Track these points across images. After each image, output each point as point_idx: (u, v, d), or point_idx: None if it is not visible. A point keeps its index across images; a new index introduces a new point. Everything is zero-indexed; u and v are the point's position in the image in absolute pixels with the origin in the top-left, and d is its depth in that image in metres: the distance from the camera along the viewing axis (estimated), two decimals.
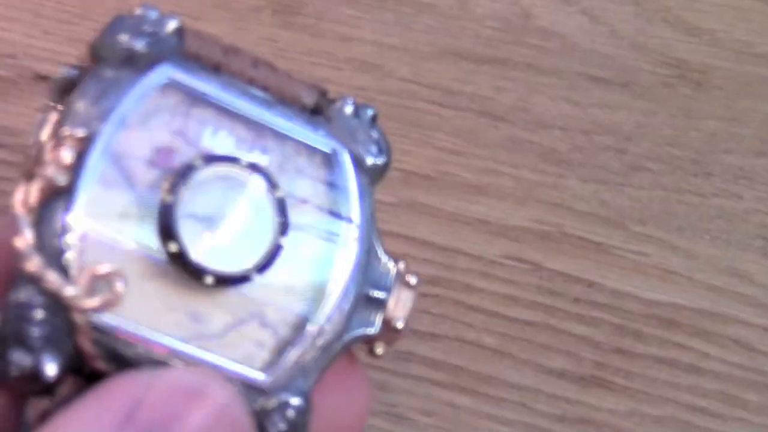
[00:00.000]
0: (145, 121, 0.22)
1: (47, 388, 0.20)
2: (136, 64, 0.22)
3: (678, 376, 0.39)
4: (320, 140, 0.24)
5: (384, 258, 0.24)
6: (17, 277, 0.20)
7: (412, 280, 0.24)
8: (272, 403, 0.22)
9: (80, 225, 0.21)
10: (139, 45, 0.22)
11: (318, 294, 0.23)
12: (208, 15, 0.47)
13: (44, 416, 0.20)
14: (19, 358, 0.19)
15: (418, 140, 0.44)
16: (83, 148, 0.21)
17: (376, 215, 0.25)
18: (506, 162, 0.43)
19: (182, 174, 0.22)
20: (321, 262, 0.23)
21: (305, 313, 0.23)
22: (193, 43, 0.23)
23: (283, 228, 0.22)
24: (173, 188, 0.21)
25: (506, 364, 0.39)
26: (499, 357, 0.38)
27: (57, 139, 0.21)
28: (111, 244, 0.21)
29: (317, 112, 0.24)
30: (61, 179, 0.20)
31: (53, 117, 0.21)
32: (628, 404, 0.38)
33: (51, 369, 0.20)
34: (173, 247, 0.21)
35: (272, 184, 0.23)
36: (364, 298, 0.23)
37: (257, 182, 0.22)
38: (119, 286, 0.20)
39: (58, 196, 0.21)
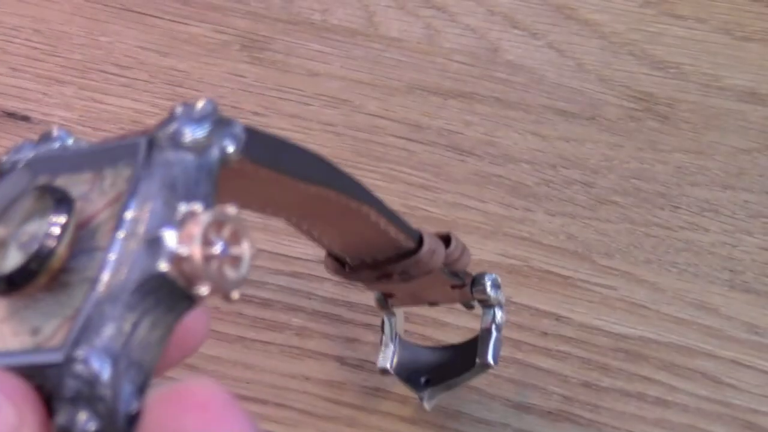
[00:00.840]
0: None
1: None
2: None
3: (645, 409, 0.39)
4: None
5: (183, 207, 0.22)
6: None
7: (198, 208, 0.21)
8: (70, 373, 0.20)
9: None
10: None
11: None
12: (176, 50, 0.48)
13: None
14: None
15: (387, 175, 0.44)
16: None
17: None
18: (474, 196, 0.43)
19: None
20: None
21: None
22: None
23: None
24: None
25: (473, 398, 0.38)
26: (466, 391, 0.38)
27: None
28: None
29: None
30: None
31: None
32: None
33: None
34: None
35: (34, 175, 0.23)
36: (146, 242, 0.21)
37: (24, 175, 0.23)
38: None
39: None
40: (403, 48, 0.48)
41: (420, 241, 0.31)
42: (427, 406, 0.37)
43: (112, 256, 0.21)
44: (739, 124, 0.46)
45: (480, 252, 0.41)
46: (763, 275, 0.42)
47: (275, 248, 0.42)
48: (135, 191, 0.21)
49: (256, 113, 0.46)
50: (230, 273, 0.21)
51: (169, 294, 0.21)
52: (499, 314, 0.34)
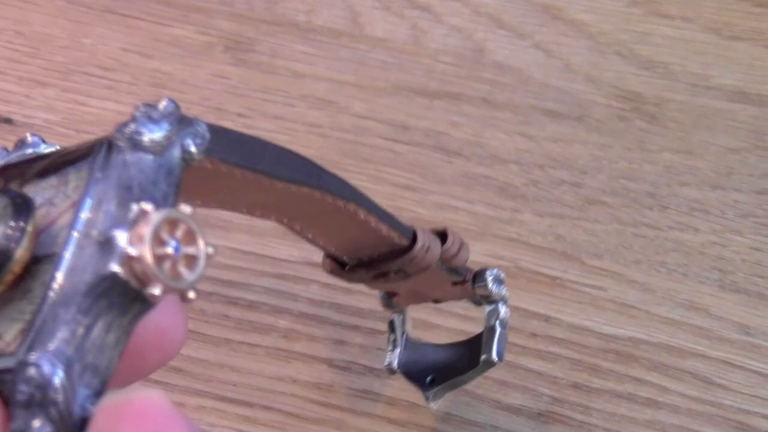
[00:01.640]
0: None
1: None
2: None
3: (636, 410, 0.38)
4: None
5: (136, 208, 0.21)
6: None
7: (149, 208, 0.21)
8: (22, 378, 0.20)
9: None
10: None
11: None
12: (160, 52, 0.47)
13: None
14: None
15: (373, 176, 0.43)
16: None
17: None
18: (461, 197, 0.43)
19: None
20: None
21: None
22: None
23: None
24: None
25: (463, 400, 0.38)
26: (455, 393, 0.38)
27: None
28: None
29: None
30: None
31: None
32: None
33: None
34: None
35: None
36: (99, 243, 0.21)
37: None
38: None
39: None
40: (388, 49, 0.47)
41: (414, 238, 0.31)
42: (432, 406, 0.36)
43: (66, 259, 0.21)
44: (728, 124, 0.45)
45: None
46: (753, 275, 0.41)
47: (261, 250, 0.41)
48: (88, 193, 0.21)
49: (240, 115, 0.45)
50: (185, 273, 0.20)
51: (122, 296, 0.20)
52: (502, 310, 0.34)
